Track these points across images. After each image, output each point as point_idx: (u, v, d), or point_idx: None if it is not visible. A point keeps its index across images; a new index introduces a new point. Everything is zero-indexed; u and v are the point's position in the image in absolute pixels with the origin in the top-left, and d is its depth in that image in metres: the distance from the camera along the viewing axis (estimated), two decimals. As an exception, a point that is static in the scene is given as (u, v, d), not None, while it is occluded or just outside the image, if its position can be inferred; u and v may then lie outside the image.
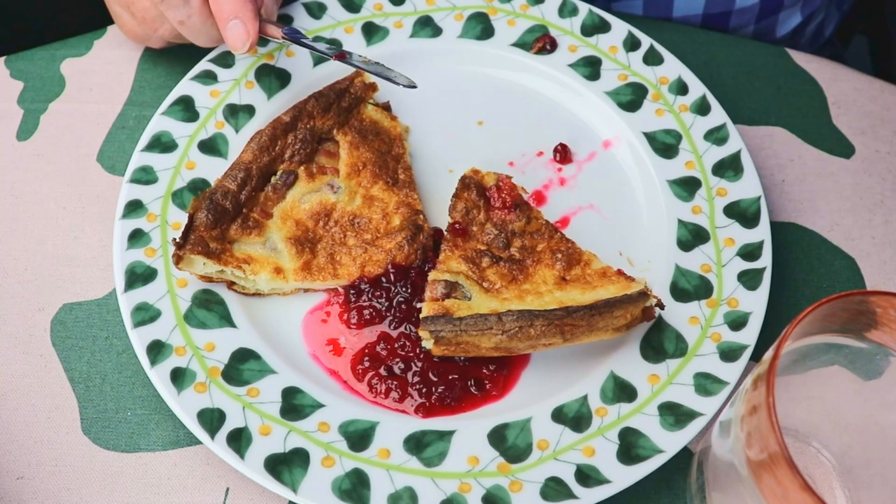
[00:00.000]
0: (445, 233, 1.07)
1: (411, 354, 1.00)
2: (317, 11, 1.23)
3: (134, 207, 1.06)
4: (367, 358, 1.00)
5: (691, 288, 1.05)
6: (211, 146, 1.12)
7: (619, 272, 1.02)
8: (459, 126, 1.19)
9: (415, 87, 1.07)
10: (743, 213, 1.10)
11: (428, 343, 0.97)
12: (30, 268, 1.08)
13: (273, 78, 1.18)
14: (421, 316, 0.98)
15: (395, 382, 0.98)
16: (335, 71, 1.18)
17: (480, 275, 1.03)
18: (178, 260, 0.99)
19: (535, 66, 1.22)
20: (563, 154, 1.16)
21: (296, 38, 1.11)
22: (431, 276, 1.02)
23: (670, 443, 0.94)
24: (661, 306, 1.00)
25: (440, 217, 1.11)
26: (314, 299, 1.05)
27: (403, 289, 1.04)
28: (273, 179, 1.09)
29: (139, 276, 1.02)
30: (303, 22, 1.22)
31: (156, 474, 0.96)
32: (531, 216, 1.08)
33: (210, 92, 1.16)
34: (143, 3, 1.11)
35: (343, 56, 1.10)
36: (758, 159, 1.20)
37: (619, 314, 0.96)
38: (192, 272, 1.01)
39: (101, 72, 1.23)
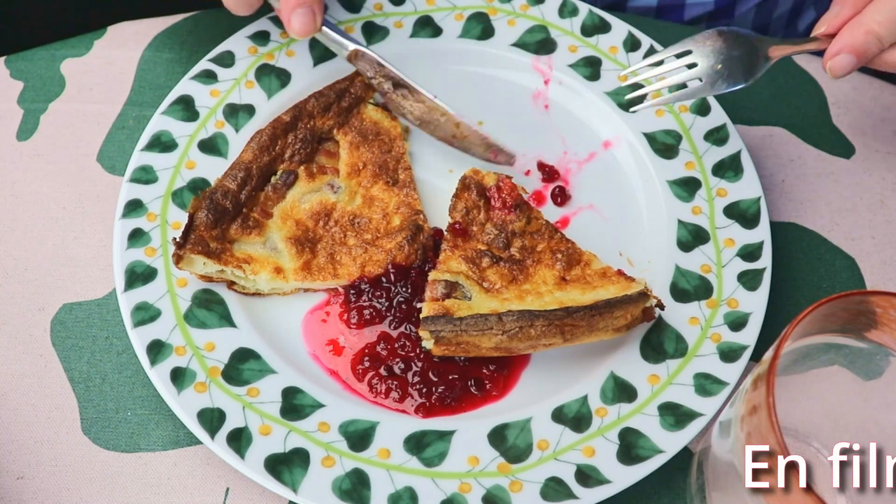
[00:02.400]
0: (445, 233, 1.07)
1: (411, 354, 1.00)
2: (317, 11, 1.23)
3: (134, 207, 1.06)
4: (367, 358, 1.00)
5: (691, 288, 1.05)
6: (211, 146, 1.12)
7: (620, 272, 1.02)
8: (459, 126, 1.19)
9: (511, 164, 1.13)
10: (743, 214, 1.10)
11: (428, 343, 0.97)
12: (30, 268, 1.08)
13: (273, 78, 1.18)
14: (421, 316, 0.98)
15: (395, 382, 0.98)
16: (335, 71, 1.19)
17: (481, 275, 1.03)
18: (178, 259, 0.99)
19: (536, 66, 1.22)
20: (549, 173, 1.15)
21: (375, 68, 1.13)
22: (431, 275, 1.02)
23: (670, 443, 0.94)
24: (661, 307, 1.00)
25: (440, 217, 1.11)
26: (314, 299, 1.05)
27: (403, 289, 1.04)
28: (273, 179, 1.09)
29: (139, 276, 1.02)
30: (303, 22, 1.22)
31: (156, 474, 0.96)
32: (531, 216, 1.08)
33: (210, 91, 1.16)
34: None
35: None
36: (758, 159, 1.20)
37: (620, 314, 0.96)
38: (192, 272, 1.01)
39: (101, 72, 1.23)
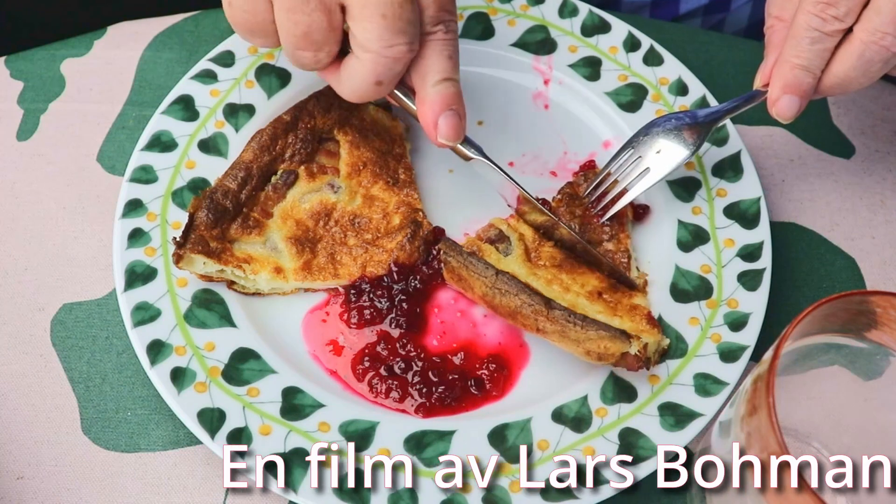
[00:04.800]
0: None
1: (412, 354, 1.00)
2: (317, 11, 1.23)
3: (134, 207, 1.06)
4: (367, 358, 1.00)
5: (691, 288, 1.05)
6: (211, 145, 1.12)
7: (649, 316, 1.01)
8: (459, 126, 1.19)
9: None
10: (743, 214, 1.10)
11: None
12: (30, 268, 1.08)
13: (273, 77, 1.18)
14: (461, 243, 1.04)
15: (395, 382, 0.98)
16: (335, 71, 1.18)
17: (536, 246, 1.06)
18: (178, 259, 0.99)
19: (536, 66, 1.22)
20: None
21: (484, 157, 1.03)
22: (495, 220, 1.08)
23: (670, 443, 0.94)
24: (646, 367, 0.96)
25: (440, 216, 1.11)
26: (314, 299, 1.05)
27: (412, 284, 1.03)
28: (273, 179, 1.09)
29: (139, 276, 1.02)
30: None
31: (156, 474, 0.96)
32: (617, 236, 1.08)
33: (210, 91, 1.16)
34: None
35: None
36: (758, 159, 1.20)
37: (594, 338, 0.93)
38: (192, 271, 1.01)
39: (101, 72, 1.23)
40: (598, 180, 1.09)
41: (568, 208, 1.09)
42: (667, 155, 1.06)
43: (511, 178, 1.05)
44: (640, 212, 1.12)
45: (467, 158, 1.03)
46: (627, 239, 1.08)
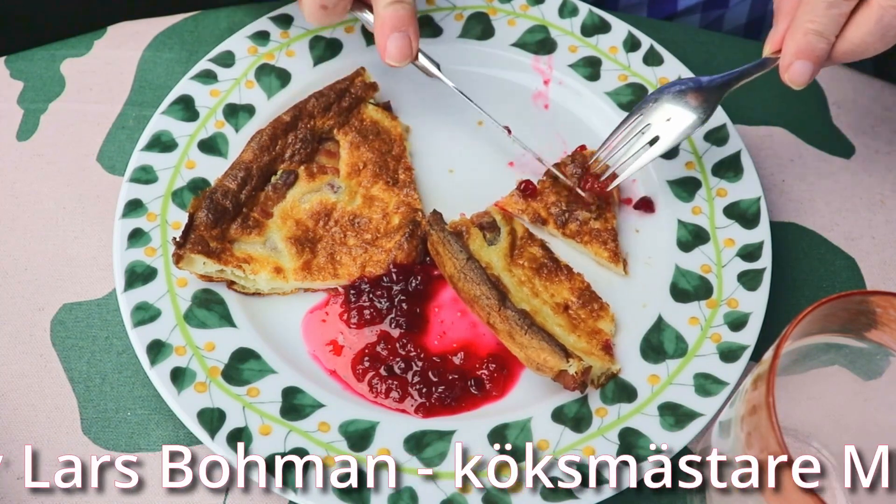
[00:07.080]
0: (515, 188, 1.12)
1: (412, 354, 1.00)
2: (317, 11, 1.23)
3: (134, 207, 1.06)
4: (367, 358, 1.00)
5: (691, 288, 1.05)
6: (211, 146, 1.12)
7: (607, 343, 1.01)
8: (459, 126, 1.19)
9: None
10: (743, 214, 1.10)
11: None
12: (30, 268, 1.08)
13: (273, 77, 1.18)
14: (449, 220, 1.06)
15: (395, 382, 0.99)
16: (335, 71, 1.18)
17: (522, 244, 1.07)
18: (178, 259, 1.00)
19: (536, 66, 1.22)
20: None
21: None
22: (492, 208, 1.10)
23: (670, 443, 0.94)
24: (581, 390, 0.95)
25: (440, 217, 1.11)
26: (314, 299, 1.05)
27: (412, 284, 1.03)
28: (273, 179, 1.09)
29: (139, 276, 1.02)
30: (303, 21, 1.22)
31: (156, 474, 0.96)
32: (604, 215, 1.09)
33: (210, 91, 1.16)
34: None
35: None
36: (758, 159, 1.20)
37: (535, 347, 0.94)
38: (192, 271, 1.01)
39: (101, 72, 1.23)
40: (605, 147, 1.09)
41: (554, 188, 1.10)
42: (677, 122, 1.05)
43: (472, 101, 1.12)
44: (642, 206, 1.12)
45: (429, 75, 1.12)
46: (614, 219, 1.09)
